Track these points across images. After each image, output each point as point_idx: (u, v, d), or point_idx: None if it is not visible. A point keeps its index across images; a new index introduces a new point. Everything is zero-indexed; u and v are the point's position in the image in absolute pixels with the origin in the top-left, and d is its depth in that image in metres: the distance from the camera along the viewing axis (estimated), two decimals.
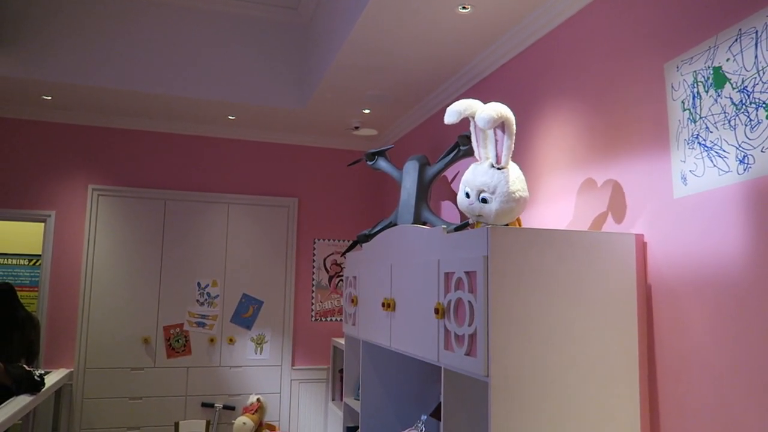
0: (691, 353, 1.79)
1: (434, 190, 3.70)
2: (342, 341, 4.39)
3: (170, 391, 4.42)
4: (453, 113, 2.15)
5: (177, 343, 4.47)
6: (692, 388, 1.78)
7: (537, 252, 1.84)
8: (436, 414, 2.97)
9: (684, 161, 1.85)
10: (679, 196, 1.87)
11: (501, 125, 2.07)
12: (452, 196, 3.55)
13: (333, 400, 4.63)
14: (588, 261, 1.90)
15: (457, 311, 1.98)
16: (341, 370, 4.56)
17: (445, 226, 2.16)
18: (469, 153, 3.10)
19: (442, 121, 3.79)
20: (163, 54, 3.96)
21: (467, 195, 2.23)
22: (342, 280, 4.92)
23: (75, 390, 4.24)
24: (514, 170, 2.16)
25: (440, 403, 3.03)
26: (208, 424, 4.38)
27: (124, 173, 4.53)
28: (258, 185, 4.82)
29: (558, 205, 2.50)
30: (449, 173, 3.60)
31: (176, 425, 4.31)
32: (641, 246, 1.98)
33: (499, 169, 2.13)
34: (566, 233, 1.89)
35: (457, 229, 2.29)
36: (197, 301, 4.56)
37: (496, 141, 2.09)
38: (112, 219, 4.44)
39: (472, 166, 2.27)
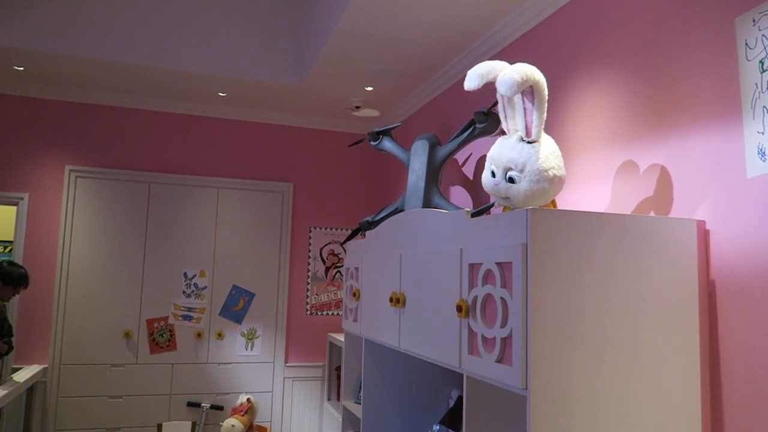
0: (763, 361, 1.49)
1: (443, 174, 3.38)
2: (339, 337, 4.08)
3: (153, 390, 4.10)
4: (474, 77, 1.85)
5: (161, 338, 4.15)
6: (765, 402, 1.47)
7: (586, 240, 1.53)
8: (446, 422, 2.68)
9: (762, 133, 1.54)
10: (754, 174, 1.56)
11: (529, 91, 1.77)
12: (463, 181, 3.23)
13: (329, 399, 4.34)
14: (643, 251, 1.59)
15: (485, 309, 1.67)
16: (338, 368, 4.26)
17: (469, 210, 1.85)
18: (487, 131, 2.78)
19: (454, 99, 3.49)
20: (148, 22, 3.61)
21: (493, 174, 1.94)
22: (340, 271, 4.61)
23: (49, 388, 3.91)
24: (547, 144, 1.86)
25: (450, 409, 2.73)
26: (194, 425, 4.06)
27: (104, 153, 4.19)
28: (250, 169, 4.48)
29: (594, 188, 2.18)
30: (461, 155, 3.28)
31: (159, 426, 3.99)
32: (703, 234, 1.68)
33: (529, 143, 1.84)
34: (620, 218, 1.58)
35: (476, 213, 1.98)
36: (183, 292, 4.23)
37: (525, 110, 1.78)
38: (91, 203, 4.10)
39: (499, 140, 1.97)
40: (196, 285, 4.26)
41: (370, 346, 2.76)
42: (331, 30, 3.04)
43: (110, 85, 4.03)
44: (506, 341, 1.55)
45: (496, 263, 1.61)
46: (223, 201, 4.37)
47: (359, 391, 3.13)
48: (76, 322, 3.99)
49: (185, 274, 4.25)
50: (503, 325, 1.56)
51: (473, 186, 3.12)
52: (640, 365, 1.55)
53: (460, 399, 2.73)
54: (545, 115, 1.80)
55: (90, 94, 4.14)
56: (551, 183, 1.80)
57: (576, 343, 1.49)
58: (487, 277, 1.67)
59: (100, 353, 4.02)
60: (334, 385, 4.31)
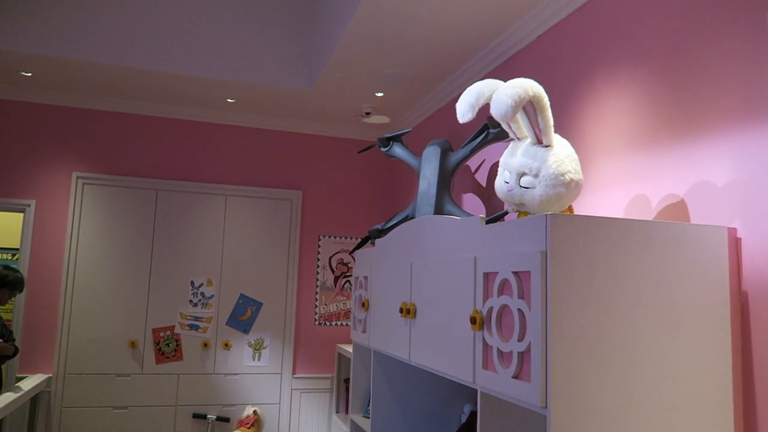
0: None
1: (455, 181, 3.30)
2: (348, 348, 3.99)
3: (159, 401, 4.02)
4: (466, 109, 1.78)
5: (167, 348, 4.08)
6: None
7: (610, 247, 1.43)
8: None
9: None
10: None
11: (529, 105, 1.69)
12: (476, 188, 3.14)
13: (337, 412, 4.23)
14: (671, 260, 1.49)
15: (501, 321, 1.58)
16: (347, 380, 4.17)
17: (483, 216, 1.76)
18: (501, 136, 2.70)
19: None
20: (156, 26, 3.57)
21: (506, 180, 1.87)
22: (349, 280, 4.52)
23: (53, 397, 3.84)
24: (562, 147, 1.78)
25: (463, 425, 2.62)
26: None
27: (111, 160, 4.14)
28: (259, 176, 4.42)
29: (612, 194, 2.09)
30: (473, 162, 3.19)
31: None
32: (734, 243, 1.57)
33: (544, 146, 1.77)
34: (647, 224, 1.48)
35: (491, 220, 1.92)
36: (190, 301, 4.16)
37: (530, 122, 1.71)
38: (98, 210, 4.05)
39: (512, 144, 1.90)
40: (203, 294, 4.19)
41: (380, 359, 2.67)
42: (341, 33, 2.97)
43: (118, 91, 3.99)
44: (524, 356, 1.45)
45: (513, 272, 1.51)
46: (230, 208, 4.31)
47: (368, 405, 3.03)
48: (82, 331, 3.93)
49: (192, 283, 4.18)
50: (521, 338, 1.46)
51: (486, 193, 3.03)
52: (668, 381, 1.44)
53: (472, 414, 2.63)
54: (551, 120, 1.73)
55: (97, 100, 4.11)
56: (567, 188, 1.72)
57: (599, 358, 1.39)
58: (503, 287, 1.57)
59: (105, 363, 3.96)
60: (343, 397, 4.21)
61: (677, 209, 1.80)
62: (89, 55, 3.45)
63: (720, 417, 1.48)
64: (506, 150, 1.90)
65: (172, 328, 4.11)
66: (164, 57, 3.56)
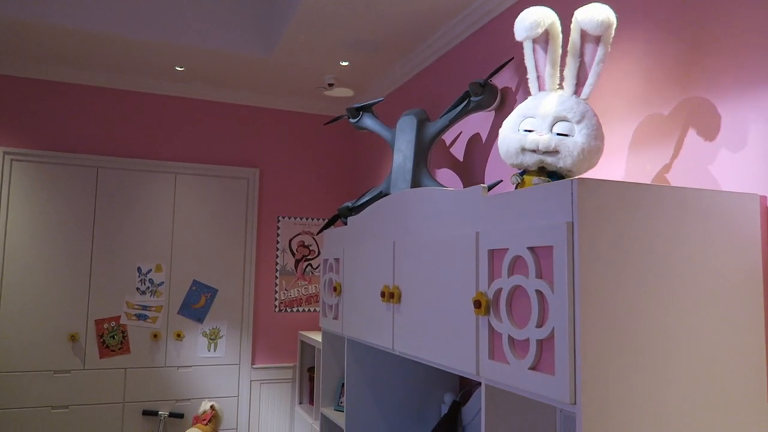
0: None
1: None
2: (312, 335, 3.75)
3: (104, 398, 3.68)
4: (528, 26, 1.65)
5: (112, 340, 3.73)
6: None
7: (644, 218, 1.25)
8: (439, 430, 2.41)
9: None
10: None
11: (594, 40, 1.60)
12: (452, 163, 2.94)
13: (300, 403, 4.00)
14: (706, 231, 1.32)
15: (512, 305, 1.38)
16: (310, 369, 3.94)
17: (484, 185, 1.55)
18: (482, 105, 2.50)
19: (438, 74, 3.18)
20: None
21: (530, 129, 1.65)
22: (311, 264, 4.26)
23: None
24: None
25: (445, 415, 2.44)
26: None
27: (46, 134, 3.72)
28: (212, 152, 4.08)
29: (616, 165, 1.92)
30: (448, 135, 2.99)
31: None
32: (765, 212, 1.42)
33: (582, 99, 1.67)
34: (681, 192, 1.30)
35: (491, 186, 1.75)
36: (137, 289, 3.81)
37: (582, 62, 1.53)
38: (29, 190, 3.63)
39: (532, 97, 1.72)
40: (151, 281, 3.85)
41: (354, 347, 2.44)
42: None
43: (52, 56, 3.56)
44: (544, 344, 1.26)
45: (529, 248, 1.31)
46: (181, 188, 3.96)
47: (340, 397, 2.81)
48: (14, 325, 3.53)
49: (139, 269, 3.83)
50: (540, 324, 1.27)
51: (463, 167, 2.83)
52: (705, 364, 1.28)
53: (454, 404, 2.45)
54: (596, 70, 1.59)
55: (29, 67, 3.66)
56: (602, 144, 1.63)
57: (633, 345, 1.21)
58: (515, 265, 1.37)
59: (42, 359, 3.57)
60: (306, 387, 3.97)
61: (693, 178, 1.64)
62: (15, 12, 3.03)
63: (755, 402, 1.34)
64: (525, 102, 1.69)
65: (117, 318, 3.75)
66: (105, 17, 3.17)
